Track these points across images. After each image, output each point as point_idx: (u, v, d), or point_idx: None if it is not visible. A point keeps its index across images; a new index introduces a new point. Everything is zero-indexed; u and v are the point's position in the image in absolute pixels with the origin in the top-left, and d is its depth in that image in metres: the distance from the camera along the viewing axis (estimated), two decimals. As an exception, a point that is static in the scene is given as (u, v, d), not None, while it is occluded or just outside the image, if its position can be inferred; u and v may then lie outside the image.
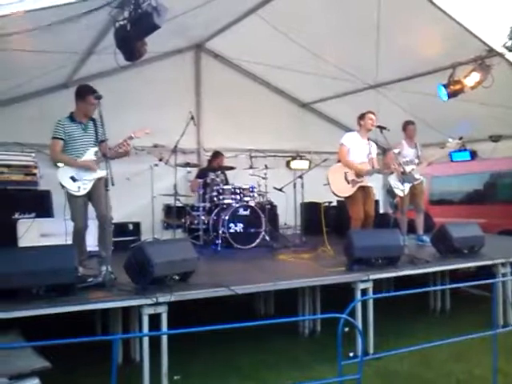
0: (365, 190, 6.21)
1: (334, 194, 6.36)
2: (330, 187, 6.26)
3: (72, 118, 4.71)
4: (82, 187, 4.63)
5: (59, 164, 4.69)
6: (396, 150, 6.14)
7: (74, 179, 4.62)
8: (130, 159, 5.37)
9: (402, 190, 6.20)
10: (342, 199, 6.59)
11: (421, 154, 6.84)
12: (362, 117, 6.33)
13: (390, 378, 4.07)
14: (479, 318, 4.76)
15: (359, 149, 6.25)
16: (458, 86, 6.56)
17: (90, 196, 4.72)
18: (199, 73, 8.73)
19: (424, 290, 5.00)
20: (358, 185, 6.09)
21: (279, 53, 7.47)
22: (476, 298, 6.22)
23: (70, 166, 4.63)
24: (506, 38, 24.06)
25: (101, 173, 4.62)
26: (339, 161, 6.34)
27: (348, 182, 6.12)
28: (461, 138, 6.50)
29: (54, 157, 4.71)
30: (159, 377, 3.72)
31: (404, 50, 6.72)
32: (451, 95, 6.64)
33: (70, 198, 4.64)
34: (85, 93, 4.67)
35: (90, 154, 4.69)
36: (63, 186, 4.62)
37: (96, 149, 4.71)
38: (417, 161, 6.74)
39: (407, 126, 6.94)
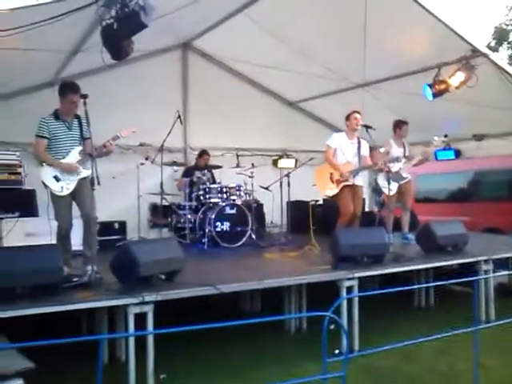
0: (353, 189, 6.25)
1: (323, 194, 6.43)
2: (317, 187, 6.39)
3: (56, 115, 4.60)
4: (65, 187, 4.52)
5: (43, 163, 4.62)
6: (382, 150, 6.18)
7: (57, 179, 4.50)
8: (116, 158, 5.35)
9: (389, 189, 6.25)
10: (329, 198, 6.64)
11: (409, 153, 6.86)
12: (347, 117, 6.37)
13: (375, 375, 4.12)
14: (463, 313, 4.82)
15: (346, 149, 6.29)
16: (443, 86, 6.64)
17: (74, 195, 4.60)
18: (186, 71, 8.71)
19: (408, 287, 5.05)
20: (342, 184, 6.16)
21: (267, 52, 7.48)
22: (460, 294, 6.31)
23: (53, 167, 4.53)
24: (489, 38, 24.42)
25: (85, 172, 4.56)
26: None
27: (333, 182, 6.20)
28: (446, 136, 6.52)
29: (38, 156, 4.62)
30: (145, 376, 3.71)
31: (391, 50, 6.77)
32: (436, 95, 6.71)
33: (54, 197, 4.54)
34: (65, 90, 4.53)
35: (74, 154, 4.59)
36: (46, 186, 4.52)
37: (80, 148, 4.61)
38: (404, 160, 6.77)
39: (401, 125, 6.89)
